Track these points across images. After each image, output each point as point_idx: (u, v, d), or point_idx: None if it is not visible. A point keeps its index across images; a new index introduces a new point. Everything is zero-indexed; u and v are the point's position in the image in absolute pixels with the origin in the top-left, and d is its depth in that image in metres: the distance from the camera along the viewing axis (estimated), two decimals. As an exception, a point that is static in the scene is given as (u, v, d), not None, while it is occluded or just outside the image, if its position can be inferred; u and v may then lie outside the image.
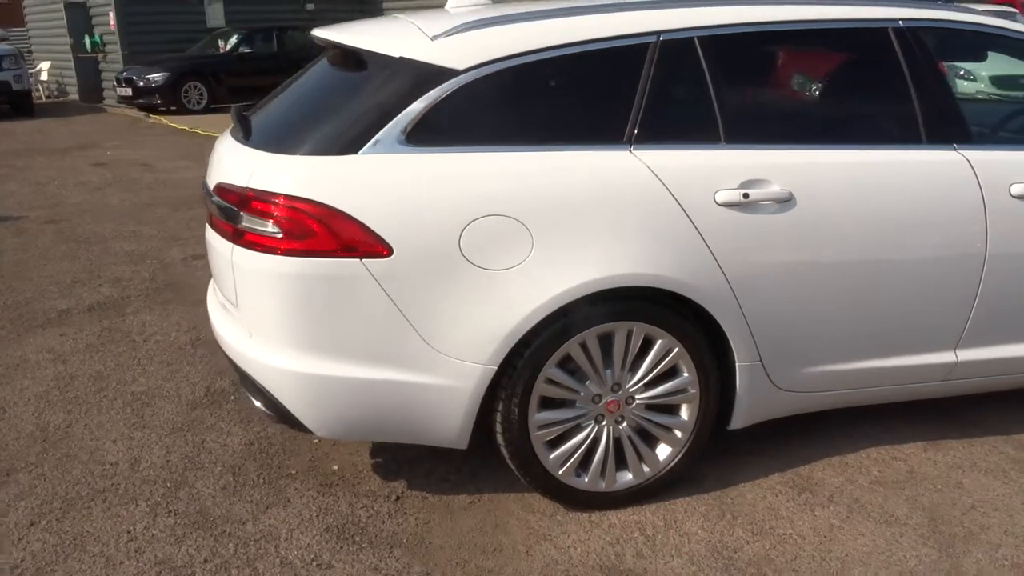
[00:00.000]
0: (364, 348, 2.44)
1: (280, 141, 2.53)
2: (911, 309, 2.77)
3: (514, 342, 2.43)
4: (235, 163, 2.61)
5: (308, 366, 2.46)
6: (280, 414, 2.59)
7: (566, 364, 2.55)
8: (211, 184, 2.73)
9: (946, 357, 2.88)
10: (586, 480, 2.66)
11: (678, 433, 2.70)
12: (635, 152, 2.52)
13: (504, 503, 2.75)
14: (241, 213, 2.46)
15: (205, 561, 2.48)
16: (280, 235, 2.38)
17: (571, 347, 2.51)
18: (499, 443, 2.60)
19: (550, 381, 2.54)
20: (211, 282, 3.17)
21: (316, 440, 3.18)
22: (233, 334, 2.66)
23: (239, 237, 2.48)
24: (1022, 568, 2.42)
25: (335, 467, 2.99)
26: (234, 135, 2.87)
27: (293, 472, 2.96)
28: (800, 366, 2.74)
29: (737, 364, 2.66)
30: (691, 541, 2.55)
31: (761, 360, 2.67)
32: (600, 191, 2.46)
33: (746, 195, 2.53)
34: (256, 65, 15.07)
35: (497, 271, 2.40)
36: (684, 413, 2.69)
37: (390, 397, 2.49)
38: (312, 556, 2.50)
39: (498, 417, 2.54)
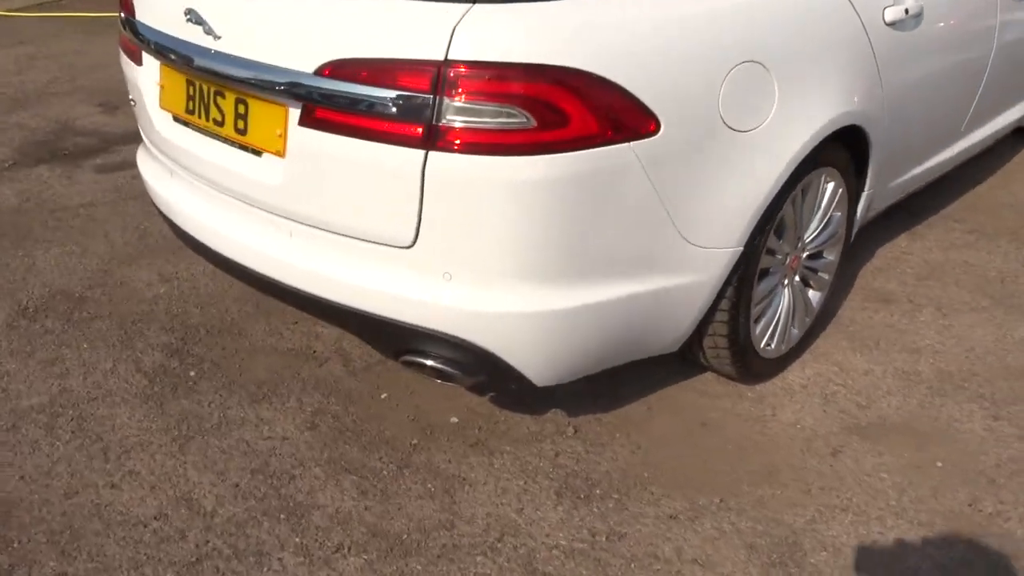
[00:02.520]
0: (615, 261, 1.87)
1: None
2: (959, 106, 2.94)
3: (761, 214, 2.06)
4: (368, 23, 1.70)
5: (548, 301, 1.82)
6: (489, 371, 1.91)
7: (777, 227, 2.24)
8: (287, 62, 1.77)
9: (960, 143, 3.16)
10: (773, 347, 2.44)
11: (825, 276, 2.58)
12: (814, -29, 2.18)
13: (675, 399, 2.41)
14: (445, 101, 1.63)
15: (479, 591, 1.80)
16: (530, 125, 1.64)
17: (786, 207, 2.21)
18: (711, 333, 2.24)
19: (768, 250, 2.22)
20: (208, 224, 2.12)
21: (384, 396, 2.42)
22: (396, 282, 1.83)
23: (437, 139, 1.66)
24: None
25: (454, 419, 2.33)
26: None
27: (414, 442, 2.24)
28: (889, 182, 2.76)
29: (864, 194, 2.59)
30: (877, 376, 2.52)
31: (875, 187, 2.63)
32: (815, 21, 2.11)
33: (907, 10, 2.37)
34: None
35: (748, 132, 1.96)
36: (830, 254, 2.57)
37: (633, 313, 1.97)
38: (588, 532, 1.96)
39: (726, 304, 2.17)
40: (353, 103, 1.70)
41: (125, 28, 2.26)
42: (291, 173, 1.86)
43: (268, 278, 2.03)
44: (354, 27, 1.71)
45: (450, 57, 1.62)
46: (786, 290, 2.42)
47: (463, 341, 1.84)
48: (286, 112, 1.83)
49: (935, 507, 2.05)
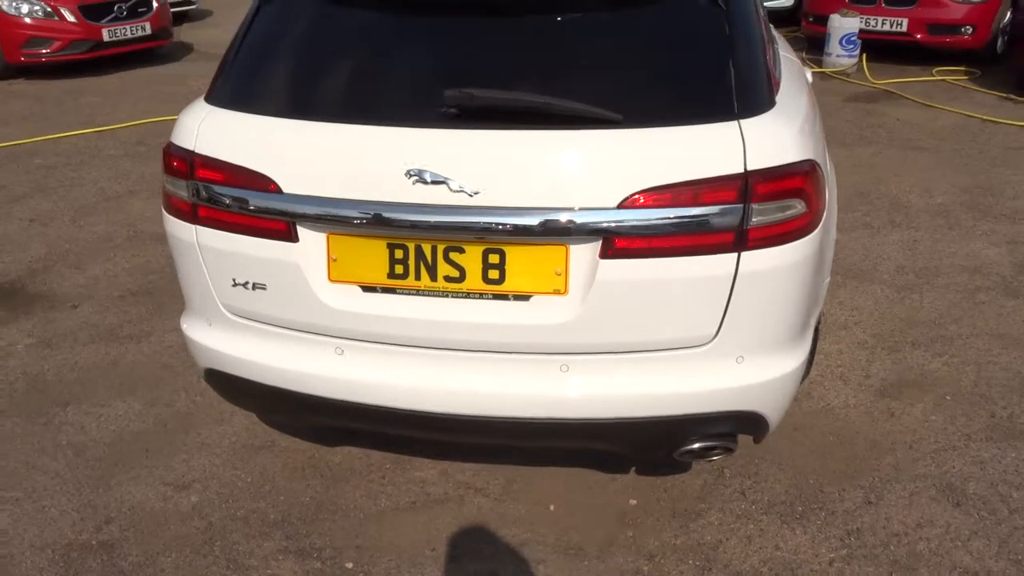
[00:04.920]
0: (815, 302, 2.23)
1: (710, 107, 1.91)
2: None
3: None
4: (654, 153, 1.86)
5: (799, 355, 2.13)
6: (744, 432, 2.14)
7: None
8: (578, 202, 1.82)
9: None
10: (801, 352, 2.96)
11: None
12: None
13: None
14: (751, 206, 1.85)
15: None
16: (803, 211, 1.94)
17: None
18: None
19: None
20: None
21: (552, 507, 2.43)
22: (692, 379, 1.99)
23: (746, 240, 1.87)
24: None
25: (633, 501, 2.45)
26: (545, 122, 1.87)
27: (630, 535, 2.32)
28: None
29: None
30: (849, 352, 3.19)
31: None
32: (805, 83, 2.69)
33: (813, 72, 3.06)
34: None
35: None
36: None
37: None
38: (836, 540, 2.28)
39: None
40: (664, 227, 1.82)
41: (250, 208, 1.96)
42: (581, 307, 1.87)
43: (525, 421, 1.98)
44: (644, 159, 1.83)
45: (749, 168, 1.84)
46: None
47: (748, 413, 2.05)
48: (567, 251, 1.85)
49: (981, 425, 2.75)
